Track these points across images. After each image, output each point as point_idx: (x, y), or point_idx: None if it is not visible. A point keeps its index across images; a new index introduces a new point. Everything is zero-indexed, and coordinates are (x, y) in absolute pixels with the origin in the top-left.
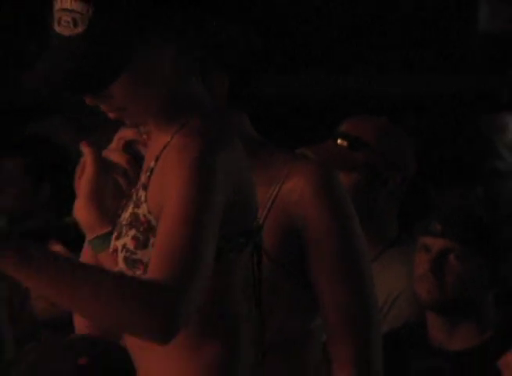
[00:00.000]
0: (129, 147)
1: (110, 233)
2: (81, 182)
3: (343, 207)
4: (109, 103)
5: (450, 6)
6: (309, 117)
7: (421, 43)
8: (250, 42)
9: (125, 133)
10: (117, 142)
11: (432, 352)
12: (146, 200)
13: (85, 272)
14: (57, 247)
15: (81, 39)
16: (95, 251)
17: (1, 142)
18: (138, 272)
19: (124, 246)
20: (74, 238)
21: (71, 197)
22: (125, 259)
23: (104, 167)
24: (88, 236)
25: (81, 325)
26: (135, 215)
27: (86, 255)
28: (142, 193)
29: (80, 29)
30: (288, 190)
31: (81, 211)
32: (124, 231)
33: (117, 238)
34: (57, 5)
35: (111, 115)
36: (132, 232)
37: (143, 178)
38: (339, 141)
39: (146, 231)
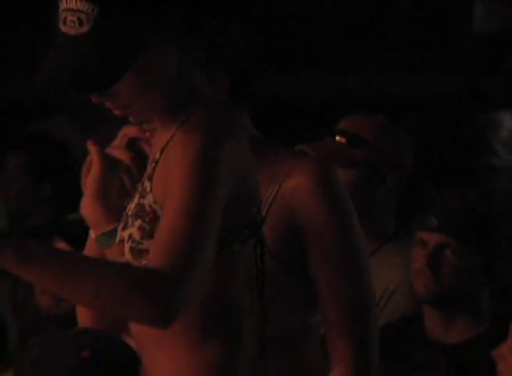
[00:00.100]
0: (132, 145)
1: (116, 230)
2: (87, 181)
3: (342, 203)
4: (115, 101)
5: (446, 6)
6: (309, 117)
7: (421, 43)
8: (250, 42)
9: (128, 130)
10: (120, 139)
11: (429, 346)
12: (151, 191)
13: (88, 265)
14: (61, 245)
15: (86, 38)
16: (102, 248)
17: (3, 142)
18: (144, 262)
19: (130, 236)
20: (78, 235)
21: (72, 195)
22: (131, 249)
23: (110, 165)
24: (95, 233)
25: (84, 319)
26: (140, 206)
27: (90, 249)
28: (147, 184)
29: (85, 28)
30: (289, 188)
31: (88, 209)
32: (130, 221)
33: (124, 229)
34: (62, 5)
35: (116, 112)
36: (138, 222)
37: (149, 169)
38: (337, 138)
39: (151, 221)
